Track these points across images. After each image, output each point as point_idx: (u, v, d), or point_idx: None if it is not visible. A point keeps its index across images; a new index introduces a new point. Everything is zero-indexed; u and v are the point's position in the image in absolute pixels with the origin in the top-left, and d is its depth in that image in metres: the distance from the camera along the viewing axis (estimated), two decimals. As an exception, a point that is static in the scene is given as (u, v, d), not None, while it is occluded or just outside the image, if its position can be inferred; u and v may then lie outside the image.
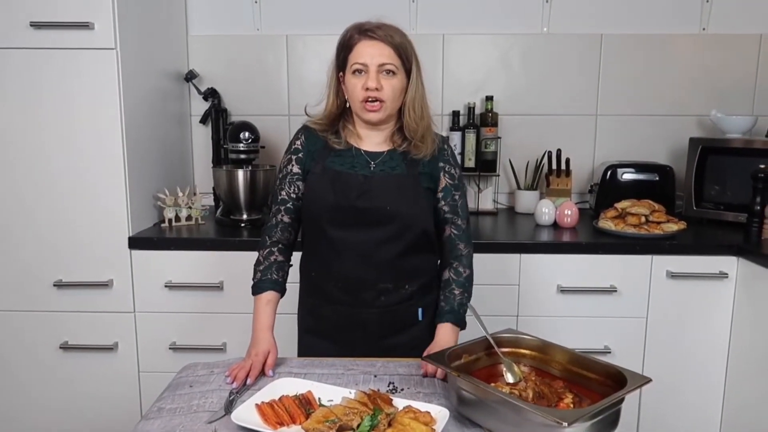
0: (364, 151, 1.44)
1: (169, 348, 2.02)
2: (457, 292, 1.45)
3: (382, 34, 1.36)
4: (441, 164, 1.45)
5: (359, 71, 1.37)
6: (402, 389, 1.26)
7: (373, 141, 1.45)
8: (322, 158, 1.44)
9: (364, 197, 1.40)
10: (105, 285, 1.99)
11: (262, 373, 1.31)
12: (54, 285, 1.99)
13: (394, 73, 1.37)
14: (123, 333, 2.03)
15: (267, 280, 1.43)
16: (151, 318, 2.02)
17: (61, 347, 2.02)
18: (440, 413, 1.10)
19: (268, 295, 1.42)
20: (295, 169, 1.47)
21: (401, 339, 1.49)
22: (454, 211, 1.46)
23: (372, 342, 1.47)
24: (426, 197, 1.44)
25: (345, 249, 1.42)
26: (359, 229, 1.41)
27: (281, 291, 1.45)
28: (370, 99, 1.37)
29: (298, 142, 1.48)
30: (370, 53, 1.35)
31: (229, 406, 1.17)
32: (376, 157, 1.44)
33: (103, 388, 2.05)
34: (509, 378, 1.22)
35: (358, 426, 1.07)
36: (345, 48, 1.39)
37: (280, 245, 1.47)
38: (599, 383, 1.15)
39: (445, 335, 1.41)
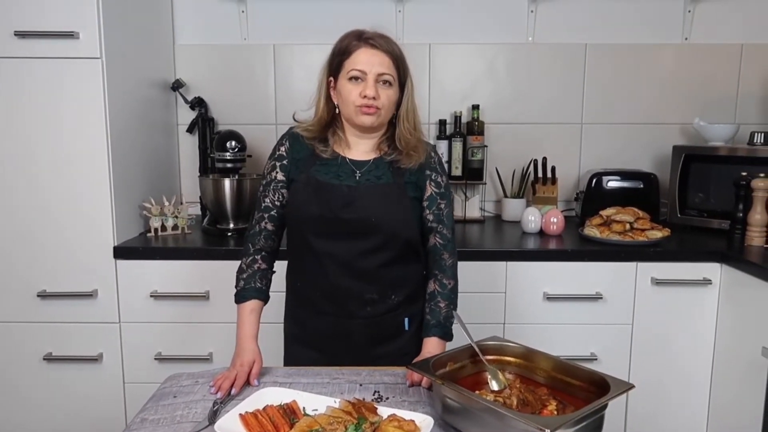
0: (350, 159, 1.44)
1: (155, 358, 2.00)
2: (442, 304, 1.45)
3: (383, 44, 1.37)
4: (428, 172, 1.46)
5: (356, 78, 1.36)
6: (387, 398, 1.26)
7: (360, 149, 1.45)
8: (306, 167, 1.44)
9: (348, 208, 1.39)
10: (89, 295, 1.97)
11: (247, 383, 1.30)
12: (38, 295, 1.97)
13: (390, 84, 1.38)
14: (108, 343, 2.01)
15: (250, 289, 1.43)
16: (136, 328, 2.01)
17: (44, 359, 2.00)
18: (424, 421, 1.10)
19: (252, 304, 1.42)
20: (279, 176, 1.46)
21: (388, 348, 1.48)
22: (439, 220, 1.46)
23: (358, 352, 1.47)
24: (412, 207, 1.44)
25: (330, 259, 1.42)
26: (344, 240, 1.41)
27: (265, 299, 1.45)
28: (366, 105, 1.37)
29: (283, 149, 1.47)
30: (371, 62, 1.35)
31: (213, 417, 1.16)
32: (362, 166, 1.44)
33: (87, 399, 2.03)
34: (494, 386, 1.22)
35: (343, 435, 1.07)
36: (342, 53, 1.38)
37: (263, 253, 1.47)
38: (583, 390, 1.15)
39: (432, 349, 1.42)
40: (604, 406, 1.06)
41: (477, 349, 1.27)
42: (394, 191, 1.42)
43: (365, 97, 1.35)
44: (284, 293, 1.54)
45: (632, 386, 1.09)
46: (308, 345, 1.51)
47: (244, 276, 1.45)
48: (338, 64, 1.39)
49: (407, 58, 1.41)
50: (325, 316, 1.46)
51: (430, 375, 1.15)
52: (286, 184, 1.46)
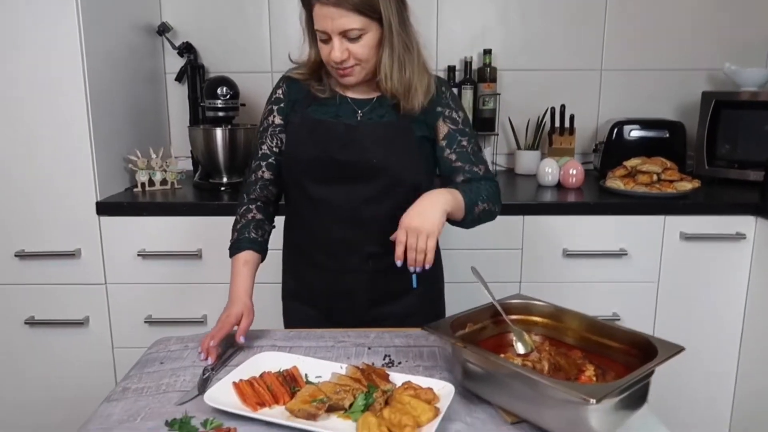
0: (350, 99, 1.28)
1: (145, 321, 1.87)
2: (472, 185, 1.24)
3: None
4: (439, 109, 1.29)
5: (323, 40, 1.18)
6: (400, 362, 1.13)
7: (360, 88, 1.28)
8: (302, 107, 1.28)
9: (346, 149, 1.23)
10: (72, 255, 1.83)
11: (233, 344, 1.16)
12: (16, 256, 1.82)
13: (360, 36, 1.16)
14: (94, 306, 1.87)
15: (244, 239, 1.28)
16: (123, 290, 1.87)
17: (26, 323, 1.86)
18: (444, 389, 0.97)
19: (246, 255, 1.27)
20: (278, 120, 1.31)
21: (393, 308, 1.34)
22: (466, 158, 1.28)
23: (361, 311, 1.33)
24: (419, 148, 1.27)
25: (328, 208, 1.27)
26: (343, 186, 1.25)
27: (261, 251, 1.30)
28: (340, 68, 1.20)
29: (279, 91, 1.32)
30: (328, 20, 1.14)
31: (203, 385, 1.03)
32: (364, 105, 1.27)
33: (75, 365, 1.90)
34: (520, 348, 1.09)
35: (351, 405, 0.93)
36: (306, 6, 1.20)
37: (258, 203, 1.32)
38: (623, 353, 1.02)
39: (437, 194, 1.15)
40: (652, 372, 0.92)
41: (500, 308, 1.13)
42: (399, 130, 1.25)
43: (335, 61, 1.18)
44: (281, 250, 1.39)
45: (682, 349, 0.96)
46: (306, 302, 1.37)
47: (238, 227, 1.31)
48: (308, 17, 1.21)
49: None
50: (323, 272, 1.31)
51: (449, 337, 1.00)
52: (285, 128, 1.30)
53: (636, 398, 0.92)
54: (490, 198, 1.26)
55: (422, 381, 0.98)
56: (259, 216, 1.31)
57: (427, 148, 1.29)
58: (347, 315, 1.33)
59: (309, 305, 1.37)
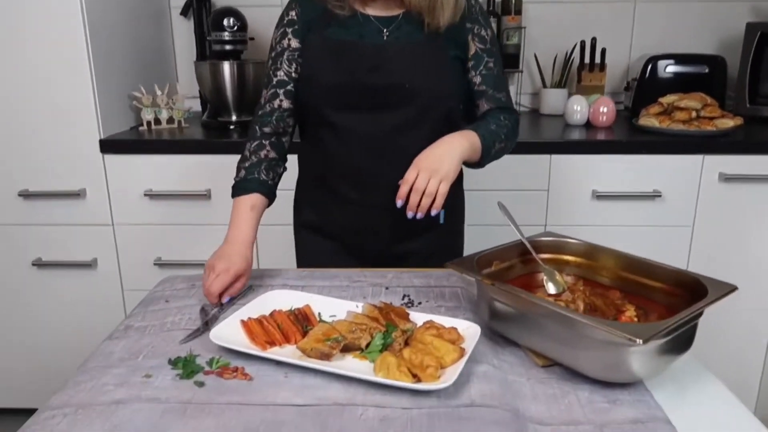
0: (373, 16, 1.16)
1: (154, 264, 1.81)
2: (492, 123, 1.16)
3: None
4: (469, 25, 1.17)
5: None
6: (420, 303, 1.05)
7: (381, 4, 1.16)
8: (320, 28, 1.16)
9: (375, 73, 1.12)
10: (77, 195, 1.76)
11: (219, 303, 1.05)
12: (19, 195, 1.76)
13: None
14: (101, 248, 1.81)
15: (253, 180, 1.17)
16: (131, 231, 1.80)
17: (34, 264, 1.81)
18: (469, 329, 0.89)
19: (253, 199, 1.15)
20: (294, 43, 1.18)
21: (417, 245, 1.26)
22: (491, 83, 1.18)
23: (382, 247, 1.25)
24: (453, 68, 1.16)
25: (352, 137, 1.16)
26: (369, 113, 1.14)
27: (269, 196, 1.18)
28: None
29: (293, 13, 1.19)
30: None
31: (209, 324, 0.96)
32: (389, 23, 1.15)
33: (85, 307, 1.86)
34: (551, 289, 1.00)
35: (368, 345, 0.86)
36: None
37: (273, 138, 1.21)
38: (665, 293, 0.93)
39: (450, 139, 1.08)
40: (701, 313, 0.83)
41: (529, 246, 1.04)
42: (431, 50, 1.14)
43: None
44: (293, 191, 1.30)
45: (735, 288, 0.86)
46: (324, 235, 1.29)
47: (246, 165, 1.19)
48: None
49: None
50: (346, 204, 1.22)
51: (475, 274, 0.92)
52: (302, 52, 1.18)
53: (682, 341, 0.83)
54: (508, 136, 1.18)
55: (445, 321, 0.90)
56: (272, 155, 1.20)
57: (459, 70, 1.17)
58: (367, 250, 1.26)
59: (327, 238, 1.28)
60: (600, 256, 1.04)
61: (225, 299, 1.05)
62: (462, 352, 0.82)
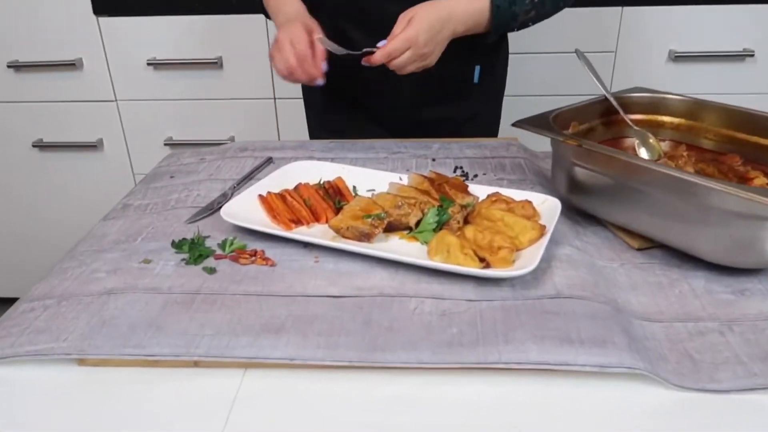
0: None
1: (165, 144, 1.63)
2: None
3: None
4: None
5: None
6: (476, 176, 0.86)
7: None
8: None
9: None
10: (72, 65, 1.55)
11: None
12: (9, 67, 1.56)
13: None
14: (106, 127, 1.64)
15: None
16: (137, 107, 1.61)
17: (35, 146, 1.65)
18: (546, 203, 0.70)
19: None
20: None
21: (447, 110, 1.05)
22: None
23: (404, 113, 1.04)
24: None
25: None
26: None
27: None
28: None
29: None
30: None
31: (221, 201, 0.79)
32: None
33: (91, 191, 1.70)
34: (644, 155, 0.80)
35: (419, 223, 0.68)
36: None
37: None
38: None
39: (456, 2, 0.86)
40: None
41: (615, 103, 0.82)
42: None
43: None
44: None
45: None
46: (337, 101, 1.07)
47: None
48: None
49: None
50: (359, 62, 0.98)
51: (556, 133, 0.71)
52: None
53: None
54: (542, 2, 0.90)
55: (515, 193, 0.71)
56: None
57: None
58: (387, 118, 1.05)
59: (342, 108, 1.07)
60: (705, 113, 0.82)
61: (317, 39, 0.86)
62: (542, 230, 0.64)
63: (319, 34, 0.87)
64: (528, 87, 1.51)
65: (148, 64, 1.54)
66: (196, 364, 0.53)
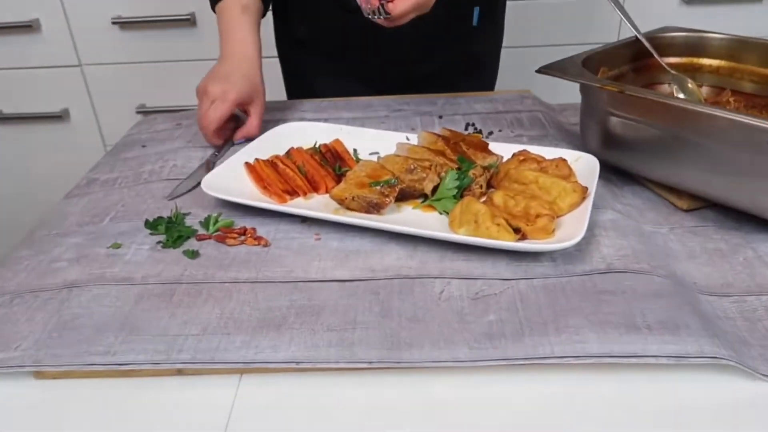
0: None
1: (137, 112, 1.50)
2: None
3: None
4: None
5: None
6: (491, 133, 0.76)
7: None
8: None
9: None
10: (29, 27, 1.40)
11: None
12: (-44, 31, 1.41)
13: None
14: (72, 95, 1.49)
15: None
16: (104, 72, 1.47)
17: (-6, 118, 1.51)
18: (580, 161, 0.60)
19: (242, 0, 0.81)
20: None
21: (444, 58, 0.93)
22: None
23: (398, 68, 0.92)
24: None
25: None
26: None
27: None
28: None
29: None
30: None
31: (205, 171, 0.68)
32: None
33: (58, 166, 1.55)
34: (683, 102, 0.70)
35: (435, 189, 0.58)
36: None
37: None
38: None
39: None
40: None
41: (648, 45, 0.72)
42: None
43: None
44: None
45: None
46: (316, 55, 0.95)
47: None
48: None
49: None
50: (348, 13, 0.85)
51: (588, 79, 0.61)
52: None
53: None
54: None
55: (545, 151, 0.61)
56: None
57: None
58: (383, 77, 0.94)
59: (326, 70, 0.95)
60: (749, 54, 0.72)
61: (237, 140, 0.76)
62: (583, 192, 0.54)
63: (256, 115, 0.77)
64: (527, 38, 1.40)
65: (113, 23, 1.39)
66: (179, 372, 0.43)
